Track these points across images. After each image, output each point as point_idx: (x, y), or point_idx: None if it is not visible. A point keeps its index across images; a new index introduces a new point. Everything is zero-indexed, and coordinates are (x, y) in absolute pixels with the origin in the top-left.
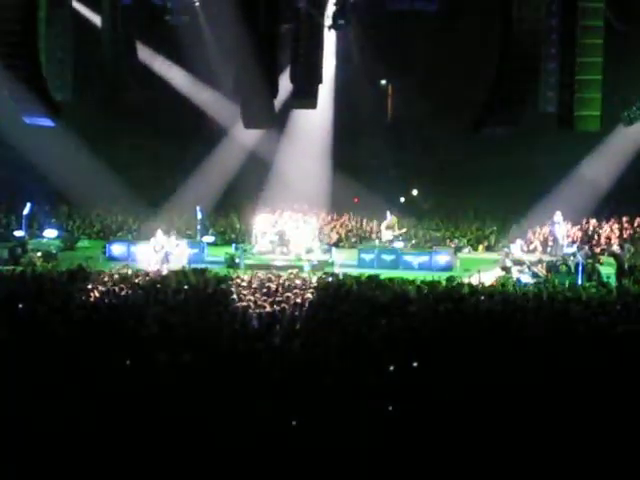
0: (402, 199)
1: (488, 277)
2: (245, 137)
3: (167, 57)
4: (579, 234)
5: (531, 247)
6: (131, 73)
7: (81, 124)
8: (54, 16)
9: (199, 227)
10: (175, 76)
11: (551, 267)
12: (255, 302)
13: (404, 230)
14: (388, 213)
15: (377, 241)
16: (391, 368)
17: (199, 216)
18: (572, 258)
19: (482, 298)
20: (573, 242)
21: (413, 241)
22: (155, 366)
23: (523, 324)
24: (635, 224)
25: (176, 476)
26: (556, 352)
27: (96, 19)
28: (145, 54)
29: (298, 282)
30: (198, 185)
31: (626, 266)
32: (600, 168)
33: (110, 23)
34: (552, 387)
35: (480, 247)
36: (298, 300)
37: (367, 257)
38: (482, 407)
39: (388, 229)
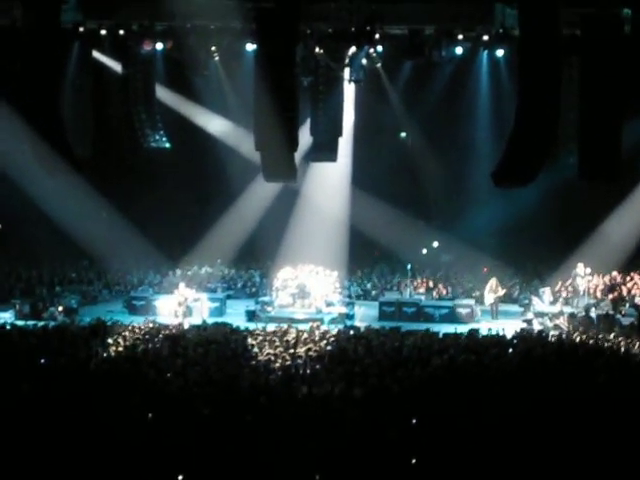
0: (424, 251)
1: (510, 329)
2: (265, 190)
3: (190, 104)
4: (601, 286)
5: (552, 299)
6: (151, 123)
7: (101, 179)
8: (75, 70)
9: (220, 280)
10: (200, 123)
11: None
12: (276, 355)
13: (504, 291)
14: (409, 266)
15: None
16: (414, 421)
17: (220, 269)
18: (594, 309)
19: (510, 350)
20: (594, 294)
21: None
22: (177, 420)
23: (545, 379)
24: None
25: None
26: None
27: (117, 67)
28: (167, 101)
29: (319, 335)
30: (219, 238)
31: None
32: (625, 222)
33: (131, 71)
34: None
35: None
36: (319, 353)
37: (388, 309)
38: (506, 461)
39: (490, 293)
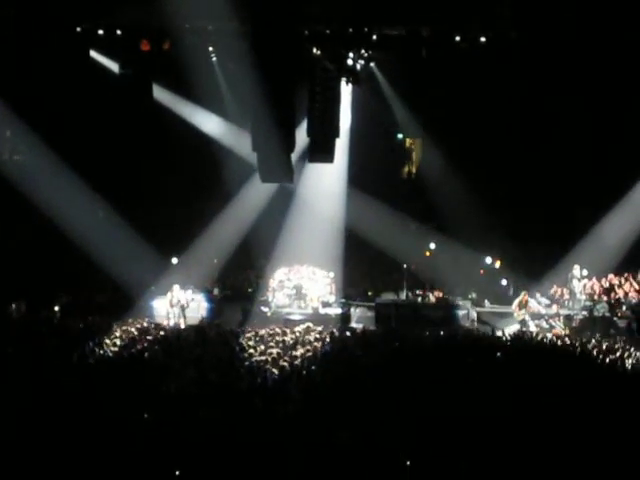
0: (427, 254)
1: (506, 330)
2: (261, 190)
3: (187, 104)
4: (597, 288)
5: (548, 301)
6: (148, 119)
7: (97, 177)
8: (73, 70)
9: (216, 280)
10: (196, 120)
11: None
12: (272, 356)
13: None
14: (405, 265)
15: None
16: (411, 422)
17: (216, 269)
18: (591, 311)
19: (498, 354)
20: (591, 296)
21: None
22: (173, 420)
23: (538, 379)
24: None
25: None
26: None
27: (114, 66)
28: (164, 99)
29: (315, 336)
30: (215, 238)
31: None
32: (619, 225)
33: (128, 69)
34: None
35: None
36: (315, 354)
37: (384, 311)
38: (504, 461)
39: (521, 308)
